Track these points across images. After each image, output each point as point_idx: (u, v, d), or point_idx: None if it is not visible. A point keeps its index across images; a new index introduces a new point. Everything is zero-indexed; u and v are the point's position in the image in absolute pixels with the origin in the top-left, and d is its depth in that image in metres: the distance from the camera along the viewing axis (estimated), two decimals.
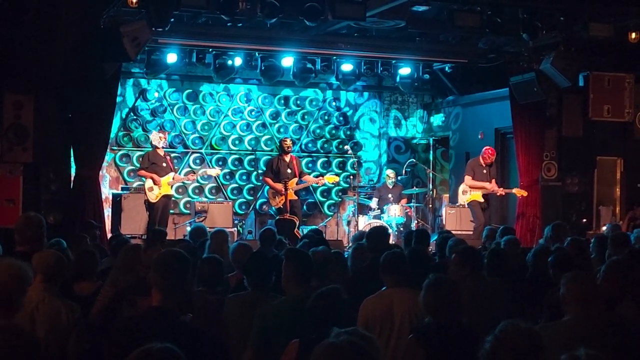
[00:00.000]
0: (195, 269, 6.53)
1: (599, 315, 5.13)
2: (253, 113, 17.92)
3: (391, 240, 14.42)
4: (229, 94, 17.77)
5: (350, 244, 15.84)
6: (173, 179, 14.37)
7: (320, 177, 16.38)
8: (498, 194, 15.42)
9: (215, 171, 15.94)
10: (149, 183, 14.14)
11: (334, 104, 18.68)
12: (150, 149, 14.78)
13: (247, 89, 17.87)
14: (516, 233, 13.72)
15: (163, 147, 14.51)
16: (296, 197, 15.39)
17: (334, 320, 4.75)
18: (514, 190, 15.28)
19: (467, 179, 15.42)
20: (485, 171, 15.31)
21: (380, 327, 5.99)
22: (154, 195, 14.04)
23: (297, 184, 15.28)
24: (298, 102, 18.32)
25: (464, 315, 5.32)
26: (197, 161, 17.40)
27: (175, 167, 15.31)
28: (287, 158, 15.42)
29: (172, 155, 16.66)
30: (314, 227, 14.94)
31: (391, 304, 6.07)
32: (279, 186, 14.95)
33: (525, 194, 15.26)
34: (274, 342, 5.42)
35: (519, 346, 3.63)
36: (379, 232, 8.44)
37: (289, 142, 15.68)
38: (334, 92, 18.59)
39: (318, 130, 18.54)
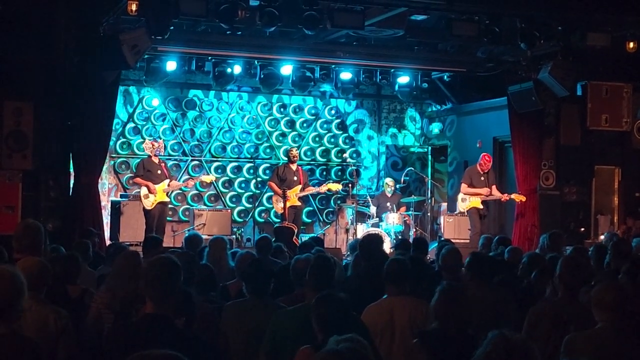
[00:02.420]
0: (193, 277, 6.56)
1: (629, 323, 5.18)
2: (252, 121, 17.97)
3: (389, 249, 14.48)
4: (228, 102, 17.81)
5: (347, 252, 15.93)
6: (168, 185, 14.39)
7: (323, 185, 16.48)
8: (503, 199, 15.43)
9: (209, 177, 15.95)
10: (144, 190, 14.17)
11: (332, 112, 18.72)
12: (146, 157, 14.81)
13: (244, 97, 17.91)
14: (514, 242, 13.75)
15: (157, 155, 14.50)
16: (300, 203, 15.46)
17: (340, 326, 4.75)
18: (513, 195, 15.27)
19: (463, 186, 15.45)
20: (483, 178, 15.33)
21: (381, 335, 5.99)
22: (149, 203, 14.06)
23: (300, 190, 15.35)
24: (296, 110, 18.38)
25: (471, 325, 5.33)
26: (197, 169, 17.43)
27: (172, 175, 15.34)
28: (294, 167, 15.53)
29: (171, 162, 16.71)
30: (312, 235, 15.00)
31: (392, 312, 6.07)
32: (280, 192, 15.02)
33: (523, 199, 15.27)
34: (283, 349, 5.44)
35: (510, 357, 3.59)
36: (372, 240, 8.31)
37: (294, 152, 15.87)
38: (330, 101, 18.63)
39: (317, 139, 18.58)
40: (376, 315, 6.11)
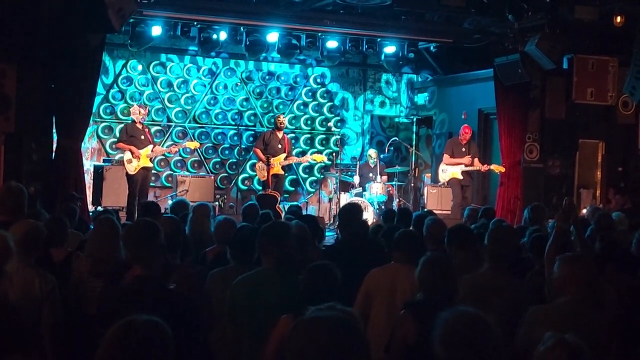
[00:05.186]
0: (179, 243, 6.54)
1: (592, 297, 5.21)
2: (236, 88, 17.88)
3: (372, 218, 14.51)
4: (212, 68, 17.70)
5: (332, 221, 15.93)
6: (152, 151, 14.33)
7: (307, 155, 16.43)
8: (483, 170, 15.50)
9: (194, 144, 15.90)
10: (127, 155, 14.11)
11: (318, 80, 18.65)
12: (129, 122, 14.73)
13: (227, 64, 17.79)
14: (497, 214, 13.79)
15: (141, 121, 14.43)
16: (282, 172, 15.45)
17: (328, 295, 4.76)
18: (493, 166, 15.37)
19: (445, 157, 15.58)
20: (464, 149, 15.41)
21: (381, 297, 6.13)
22: (132, 168, 14.00)
23: (284, 159, 15.33)
24: (281, 77, 18.29)
25: (458, 294, 5.34)
26: (180, 135, 17.35)
27: (155, 141, 15.28)
28: (279, 135, 15.48)
29: (155, 128, 16.63)
30: (294, 203, 15.00)
31: (395, 278, 6.18)
32: (264, 159, 14.98)
33: (502, 169, 15.36)
34: (241, 315, 5.46)
35: (468, 333, 3.52)
36: (351, 209, 8.06)
37: (282, 119, 15.88)
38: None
39: (302, 107, 18.52)
40: (380, 277, 6.26)
